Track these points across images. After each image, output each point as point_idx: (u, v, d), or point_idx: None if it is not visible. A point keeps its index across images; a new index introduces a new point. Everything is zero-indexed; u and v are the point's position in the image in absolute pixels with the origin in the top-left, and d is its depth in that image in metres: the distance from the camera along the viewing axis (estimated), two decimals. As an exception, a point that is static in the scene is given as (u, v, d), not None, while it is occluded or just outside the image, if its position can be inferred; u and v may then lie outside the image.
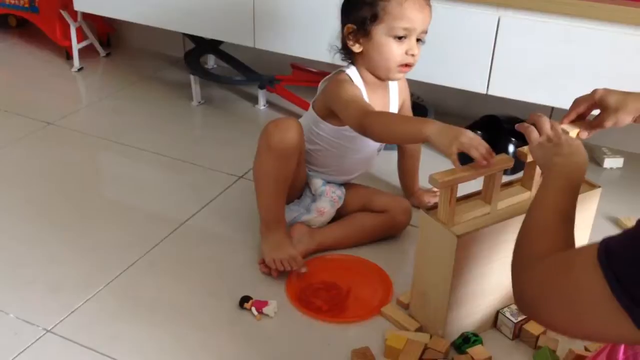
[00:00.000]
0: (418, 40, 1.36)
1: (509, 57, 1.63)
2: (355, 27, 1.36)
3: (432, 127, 1.17)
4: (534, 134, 1.10)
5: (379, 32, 1.34)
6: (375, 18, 1.34)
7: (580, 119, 1.23)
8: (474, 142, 1.11)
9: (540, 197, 0.96)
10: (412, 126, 1.23)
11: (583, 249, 0.79)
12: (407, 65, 1.37)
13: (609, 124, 1.17)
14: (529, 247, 0.90)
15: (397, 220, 1.53)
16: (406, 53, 1.35)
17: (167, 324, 1.28)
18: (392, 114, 1.44)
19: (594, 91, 1.19)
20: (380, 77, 1.42)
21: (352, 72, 1.42)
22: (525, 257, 0.90)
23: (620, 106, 1.15)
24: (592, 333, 0.78)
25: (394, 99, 1.50)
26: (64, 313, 1.30)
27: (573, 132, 1.20)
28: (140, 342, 1.24)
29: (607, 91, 1.18)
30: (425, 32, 1.37)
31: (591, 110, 1.22)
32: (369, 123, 1.28)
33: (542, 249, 0.87)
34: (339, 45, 1.43)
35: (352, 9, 1.37)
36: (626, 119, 1.16)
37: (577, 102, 1.22)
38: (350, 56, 1.43)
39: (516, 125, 1.17)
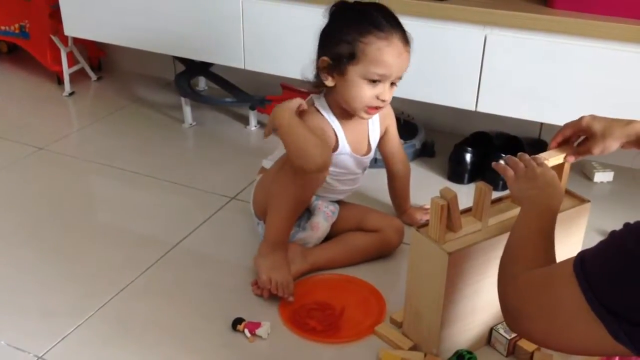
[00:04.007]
0: (392, 84, 1.35)
1: (496, 74, 1.65)
2: (330, 61, 1.34)
3: None
4: (509, 172, 1.13)
5: (354, 72, 1.32)
6: (352, 58, 1.31)
7: (565, 143, 1.24)
8: None
9: (519, 222, 1.02)
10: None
11: (562, 262, 0.82)
12: (375, 107, 1.36)
13: (596, 151, 1.18)
14: (511, 263, 0.95)
15: (390, 240, 1.53)
16: (377, 97, 1.34)
17: (159, 347, 1.27)
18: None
19: (581, 118, 1.20)
20: (349, 112, 1.40)
21: (321, 104, 1.41)
22: (508, 271, 0.94)
23: (607, 133, 1.16)
24: (572, 345, 0.80)
25: (374, 127, 1.50)
26: (56, 339, 1.29)
27: (560, 156, 1.21)
28: (133, 367, 1.23)
29: (594, 118, 1.19)
30: (400, 77, 1.35)
31: (577, 135, 1.24)
32: None
33: (523, 264, 0.91)
34: (312, 73, 1.39)
35: (330, 43, 1.34)
36: (613, 145, 1.17)
37: (565, 127, 1.23)
38: (322, 87, 1.40)
39: (492, 164, 1.18)
